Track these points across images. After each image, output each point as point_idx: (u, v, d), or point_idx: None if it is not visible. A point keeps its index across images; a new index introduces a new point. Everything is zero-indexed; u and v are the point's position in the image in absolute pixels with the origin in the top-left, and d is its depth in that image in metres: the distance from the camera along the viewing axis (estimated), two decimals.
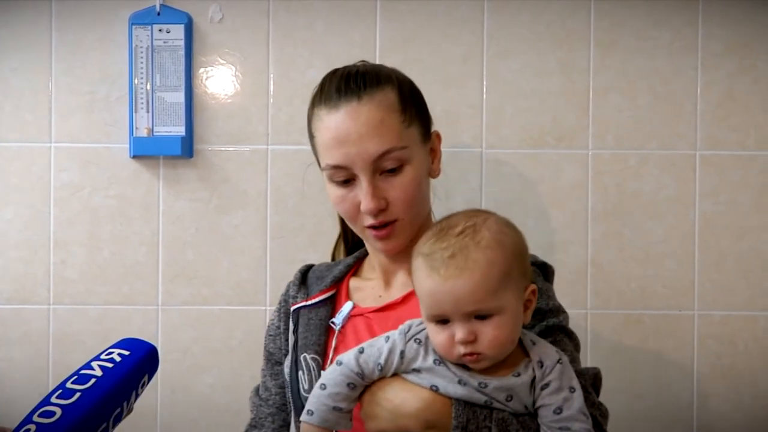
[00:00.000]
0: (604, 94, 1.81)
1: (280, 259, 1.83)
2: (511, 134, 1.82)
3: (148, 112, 1.80)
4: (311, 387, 1.31)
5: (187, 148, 1.80)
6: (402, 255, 1.38)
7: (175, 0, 1.81)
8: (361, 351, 1.18)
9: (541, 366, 1.14)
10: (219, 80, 1.83)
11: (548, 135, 1.81)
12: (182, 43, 1.80)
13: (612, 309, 1.81)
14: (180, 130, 1.80)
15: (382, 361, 1.16)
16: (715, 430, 1.81)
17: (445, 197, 1.58)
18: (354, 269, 1.48)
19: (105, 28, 1.83)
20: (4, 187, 1.83)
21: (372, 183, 1.30)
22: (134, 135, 1.79)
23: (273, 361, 1.47)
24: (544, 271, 1.40)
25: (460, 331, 1.10)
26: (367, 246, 1.45)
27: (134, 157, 1.82)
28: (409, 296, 1.35)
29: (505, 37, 1.82)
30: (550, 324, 1.29)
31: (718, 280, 1.81)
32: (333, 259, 1.62)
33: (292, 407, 1.38)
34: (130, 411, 1.03)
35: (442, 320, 1.12)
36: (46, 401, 0.94)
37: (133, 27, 1.79)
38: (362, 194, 1.31)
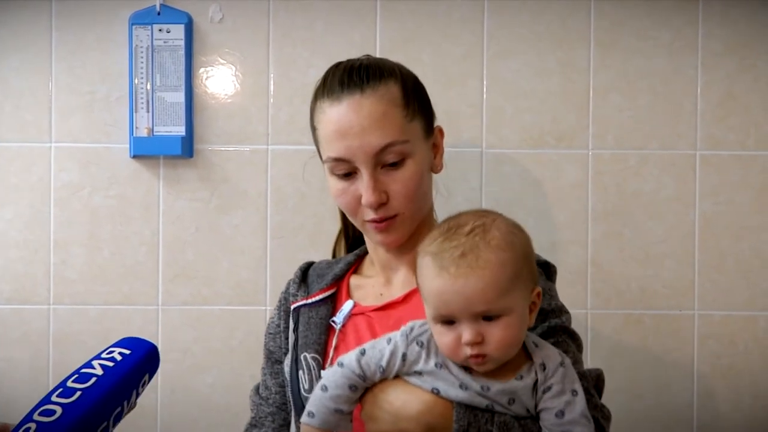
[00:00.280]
0: (604, 93, 1.81)
1: (280, 259, 1.83)
2: (511, 134, 1.82)
3: (148, 111, 1.80)
4: (311, 386, 1.31)
5: (187, 148, 1.81)
6: (402, 251, 1.38)
7: (175, 0, 1.81)
8: (363, 353, 1.17)
9: (544, 369, 1.13)
10: (219, 80, 1.83)
11: (548, 135, 1.81)
12: (182, 42, 1.80)
13: (612, 309, 1.81)
14: (180, 130, 1.80)
15: (383, 363, 1.15)
16: (715, 430, 1.81)
17: (447, 195, 1.58)
18: (355, 267, 1.47)
19: (105, 28, 1.83)
20: (4, 187, 1.83)
21: (373, 176, 1.30)
22: (134, 135, 1.79)
23: (273, 359, 1.46)
24: (547, 271, 1.39)
25: (467, 332, 1.09)
26: (367, 242, 1.44)
27: (134, 156, 1.82)
28: (411, 295, 1.34)
29: (505, 37, 1.82)
30: (553, 324, 1.29)
31: (718, 280, 1.81)
32: (334, 254, 1.61)
33: (293, 406, 1.37)
34: (131, 409, 1.02)
35: (449, 321, 1.11)
36: (46, 400, 0.94)
37: (133, 27, 1.79)
38: (363, 188, 1.30)
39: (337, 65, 1.37)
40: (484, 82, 1.82)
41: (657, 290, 1.81)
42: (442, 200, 1.51)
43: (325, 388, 1.16)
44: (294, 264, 1.81)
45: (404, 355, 1.15)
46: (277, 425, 1.43)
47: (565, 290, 1.62)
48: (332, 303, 1.40)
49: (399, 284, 1.39)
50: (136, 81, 1.80)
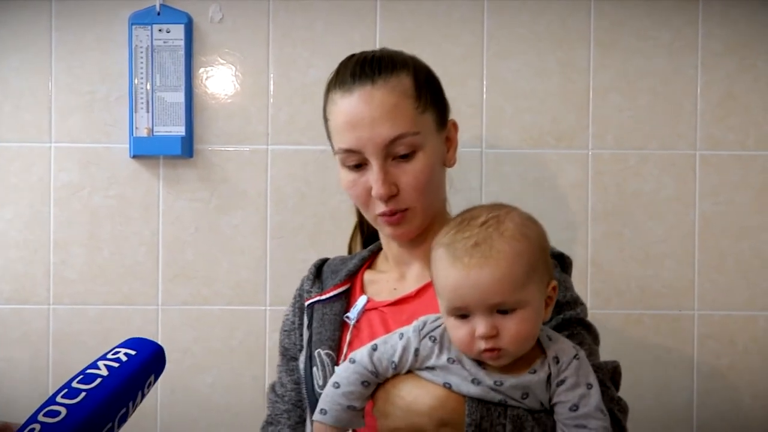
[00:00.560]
0: (603, 93, 1.81)
1: (279, 259, 1.83)
2: (511, 134, 1.82)
3: (148, 112, 1.80)
4: (326, 383, 1.29)
5: (186, 148, 1.80)
6: (415, 245, 1.37)
7: (175, 0, 1.81)
8: (375, 348, 1.15)
9: (557, 362, 1.12)
10: (219, 80, 1.83)
11: (548, 135, 1.81)
12: (182, 43, 1.80)
13: (612, 309, 1.81)
14: (180, 130, 1.80)
15: (396, 359, 1.14)
16: (715, 429, 1.81)
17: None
18: (369, 262, 1.46)
19: (105, 28, 1.83)
20: (4, 187, 1.83)
21: (383, 168, 1.29)
22: (134, 135, 1.79)
23: (288, 356, 1.45)
24: (562, 262, 1.37)
25: (481, 326, 1.07)
26: (381, 237, 1.43)
27: (134, 157, 1.82)
28: (424, 289, 1.33)
29: (505, 37, 1.82)
30: (567, 317, 1.27)
31: (717, 280, 1.81)
32: (350, 250, 1.60)
33: (308, 403, 1.36)
34: (135, 409, 1.02)
35: (463, 314, 1.09)
36: (51, 400, 0.94)
37: (133, 27, 1.79)
38: (373, 179, 1.29)
39: (350, 57, 1.36)
40: (484, 82, 1.82)
41: (657, 290, 1.81)
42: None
43: (337, 385, 1.15)
44: (294, 264, 1.82)
45: (416, 351, 1.13)
46: (293, 422, 1.41)
47: None
48: (346, 299, 1.39)
49: (413, 279, 1.38)
50: (136, 81, 1.80)
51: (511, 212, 1.14)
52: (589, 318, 1.53)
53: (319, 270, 1.47)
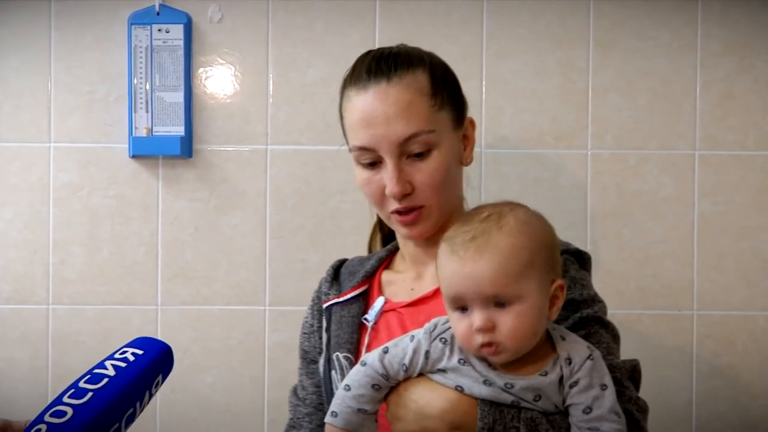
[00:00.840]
0: (603, 93, 1.81)
1: (279, 259, 1.83)
2: (510, 134, 1.81)
3: (147, 112, 1.79)
4: None
5: (186, 148, 1.80)
6: (432, 245, 1.34)
7: (174, 0, 1.81)
8: (386, 351, 1.15)
9: (570, 363, 1.10)
10: (218, 80, 1.83)
11: (547, 135, 1.81)
12: (181, 43, 1.80)
13: (611, 309, 1.78)
14: (179, 130, 1.80)
15: (407, 361, 1.13)
16: (714, 429, 1.81)
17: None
18: (386, 262, 1.44)
19: (104, 28, 1.83)
20: (4, 187, 1.83)
21: (397, 166, 1.27)
22: (133, 135, 1.79)
23: (308, 359, 1.44)
24: (580, 259, 1.35)
25: (477, 318, 1.07)
26: (398, 236, 1.41)
27: (133, 157, 1.82)
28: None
29: (504, 37, 1.82)
30: (584, 315, 1.24)
31: (717, 280, 1.81)
32: (370, 249, 1.58)
33: (328, 407, 1.35)
34: (143, 409, 1.02)
35: (462, 307, 1.10)
36: (58, 401, 0.93)
37: (133, 27, 1.79)
38: (387, 177, 1.28)
39: (367, 53, 1.35)
40: (484, 82, 1.82)
41: (656, 290, 1.81)
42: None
43: (347, 388, 1.14)
44: (293, 264, 1.82)
45: (427, 353, 1.12)
46: (314, 426, 1.39)
47: None
48: (364, 300, 1.38)
49: (429, 278, 1.35)
50: (135, 81, 1.80)
51: (515, 209, 1.14)
52: None
53: (336, 271, 1.45)
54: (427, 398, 1.12)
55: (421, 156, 1.28)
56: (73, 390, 0.94)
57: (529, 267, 1.09)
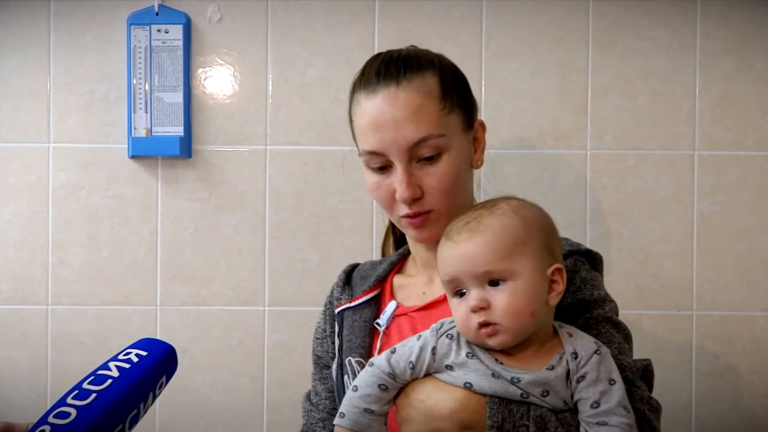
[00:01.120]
0: (602, 94, 1.81)
1: (278, 259, 1.83)
2: (509, 134, 1.82)
3: (146, 112, 1.79)
4: None
5: (185, 148, 1.80)
6: None
7: (173, 0, 1.81)
8: (393, 351, 1.15)
9: (576, 357, 1.10)
10: (217, 80, 1.83)
11: (547, 135, 1.81)
12: (181, 43, 1.80)
13: None
14: (178, 131, 1.80)
15: (413, 359, 1.13)
16: (714, 429, 1.81)
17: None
18: (398, 266, 1.43)
19: (103, 28, 1.83)
20: (3, 187, 1.83)
21: (407, 171, 1.26)
22: (133, 135, 1.79)
23: (321, 364, 1.43)
24: (591, 260, 1.34)
25: (472, 297, 1.09)
26: (409, 240, 1.41)
27: (133, 157, 1.82)
28: None
29: (503, 37, 1.82)
30: (595, 315, 1.24)
31: (716, 280, 1.81)
32: (383, 252, 1.57)
33: None
34: (147, 410, 1.02)
35: (459, 291, 1.12)
36: (61, 402, 0.93)
37: (132, 27, 1.79)
38: (397, 182, 1.27)
39: (376, 56, 1.34)
40: (483, 83, 1.82)
41: (655, 290, 1.81)
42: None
43: (355, 389, 1.14)
44: (293, 264, 1.82)
45: (434, 349, 1.13)
46: (328, 431, 1.38)
47: None
48: (376, 305, 1.37)
49: (440, 282, 1.33)
50: (135, 81, 1.80)
51: (510, 199, 1.16)
52: None
53: (348, 276, 1.44)
54: (435, 398, 1.12)
55: (431, 160, 1.27)
56: (76, 391, 0.94)
57: (521, 245, 1.10)
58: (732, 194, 1.81)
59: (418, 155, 1.27)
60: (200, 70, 1.83)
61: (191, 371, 1.83)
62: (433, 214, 1.29)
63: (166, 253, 1.84)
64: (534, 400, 1.10)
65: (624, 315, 1.79)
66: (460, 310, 1.11)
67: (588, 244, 1.79)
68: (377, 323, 1.34)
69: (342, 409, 1.15)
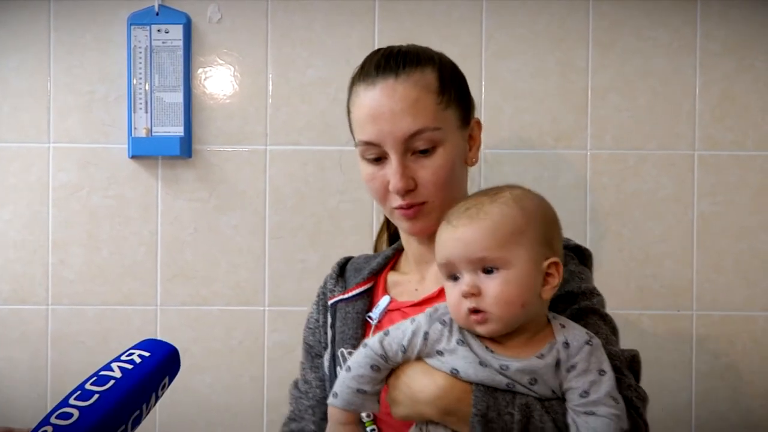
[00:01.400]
0: (602, 94, 1.81)
1: (278, 259, 1.83)
2: (509, 134, 1.82)
3: (146, 112, 1.80)
4: None
5: (185, 148, 1.80)
6: (434, 244, 1.36)
7: (173, 0, 1.81)
8: (387, 333, 1.16)
9: (567, 347, 1.10)
10: (217, 80, 1.83)
11: (547, 135, 1.82)
12: (181, 43, 1.80)
13: (611, 309, 1.80)
14: (178, 131, 1.80)
15: (405, 342, 1.14)
16: (714, 429, 1.81)
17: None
18: (393, 262, 1.45)
19: (103, 28, 1.83)
20: (3, 187, 1.83)
21: (402, 162, 1.28)
22: (133, 135, 1.79)
23: (313, 354, 1.45)
24: (580, 255, 1.37)
25: (464, 283, 1.10)
26: (402, 236, 1.42)
27: (133, 157, 1.82)
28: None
29: (503, 37, 1.82)
30: (582, 306, 1.25)
31: (716, 280, 1.81)
32: (376, 248, 1.59)
33: None
34: (149, 411, 1.02)
35: (453, 275, 1.13)
36: (64, 403, 0.93)
37: (132, 27, 1.79)
38: (391, 173, 1.28)
39: (377, 51, 1.36)
40: (483, 83, 1.82)
41: (655, 290, 1.81)
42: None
43: (348, 369, 1.16)
44: (293, 264, 1.82)
45: (426, 334, 1.14)
46: (317, 419, 1.40)
47: None
48: (369, 298, 1.39)
49: (432, 279, 1.36)
50: (135, 81, 1.80)
51: (515, 188, 1.17)
52: None
53: (342, 268, 1.46)
54: (420, 383, 1.13)
55: (426, 153, 1.29)
56: (79, 392, 0.94)
57: (518, 234, 1.11)
58: (732, 194, 1.81)
59: (413, 147, 1.28)
60: (200, 70, 1.83)
61: (191, 371, 1.83)
62: (426, 206, 1.31)
63: (166, 253, 1.84)
64: (520, 389, 1.10)
65: (624, 315, 1.80)
66: (452, 294, 1.13)
67: (588, 244, 1.80)
68: (369, 316, 1.35)
69: (335, 389, 1.16)
